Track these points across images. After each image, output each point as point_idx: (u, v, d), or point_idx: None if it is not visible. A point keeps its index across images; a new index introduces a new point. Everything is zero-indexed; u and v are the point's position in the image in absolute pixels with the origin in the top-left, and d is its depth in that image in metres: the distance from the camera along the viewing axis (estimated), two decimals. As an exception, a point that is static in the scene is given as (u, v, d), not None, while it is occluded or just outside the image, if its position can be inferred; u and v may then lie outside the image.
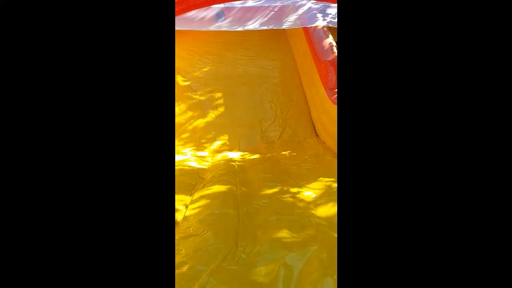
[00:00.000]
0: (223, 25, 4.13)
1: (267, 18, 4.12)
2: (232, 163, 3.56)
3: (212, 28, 4.08)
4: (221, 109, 4.62)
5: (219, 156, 3.91)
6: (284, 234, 1.91)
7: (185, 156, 3.95)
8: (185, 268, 1.65)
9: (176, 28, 4.06)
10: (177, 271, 1.62)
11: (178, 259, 1.74)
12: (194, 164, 3.66)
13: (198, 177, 3.22)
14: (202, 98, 4.69)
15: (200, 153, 4.06)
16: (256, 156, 3.83)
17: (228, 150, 4.09)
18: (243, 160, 3.71)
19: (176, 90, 4.75)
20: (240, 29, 4.18)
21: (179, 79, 4.92)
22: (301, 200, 2.52)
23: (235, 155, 3.96)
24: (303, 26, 4.29)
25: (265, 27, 4.15)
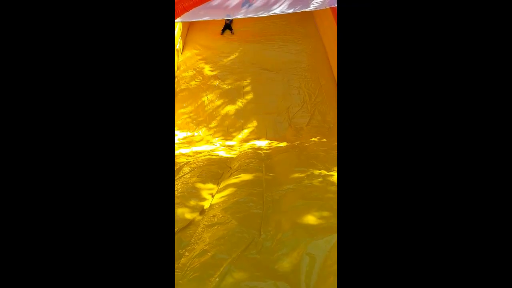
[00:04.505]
0: (249, 11, 4.06)
1: (293, 0, 3.97)
2: (259, 152, 3.53)
3: (238, 16, 4.02)
4: (249, 97, 4.58)
5: (247, 145, 3.90)
6: (309, 220, 1.84)
7: (214, 146, 3.99)
8: (207, 256, 1.66)
9: (201, 18, 4.07)
10: (199, 259, 1.64)
11: (201, 247, 1.76)
12: (223, 153, 3.68)
13: (225, 166, 3.23)
14: (229, 86, 4.68)
15: (228, 143, 4.08)
16: (284, 144, 3.76)
17: (255, 139, 4.06)
18: (270, 148, 3.67)
19: (203, 80, 4.79)
20: (266, 14, 4.08)
21: (206, 69, 4.95)
22: (332, 184, 2.40)
23: (263, 143, 3.93)
24: (331, 6, 4.08)
25: (291, 10, 4.00)
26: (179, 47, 5.16)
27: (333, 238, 1.59)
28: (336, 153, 3.26)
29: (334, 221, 1.76)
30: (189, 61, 5.13)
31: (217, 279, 1.44)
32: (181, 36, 5.19)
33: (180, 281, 1.50)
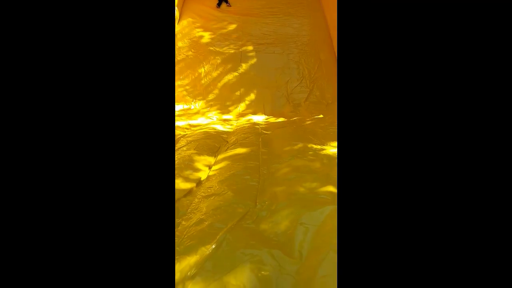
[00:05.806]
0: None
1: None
2: (256, 127, 3.52)
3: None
4: (246, 70, 4.51)
5: (243, 120, 3.88)
6: (304, 192, 1.87)
7: (211, 120, 3.97)
8: (204, 225, 1.69)
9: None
10: (196, 228, 1.67)
11: (198, 216, 1.79)
12: (219, 127, 3.67)
13: (222, 140, 3.23)
14: (227, 59, 4.59)
15: (225, 116, 4.06)
16: (281, 119, 3.75)
17: (252, 114, 4.04)
18: (267, 123, 3.66)
19: (200, 51, 4.69)
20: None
21: (203, 39, 4.83)
22: (328, 158, 2.42)
23: (260, 118, 3.91)
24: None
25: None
26: (176, 15, 5.00)
27: (327, 209, 1.62)
28: (334, 130, 3.26)
29: (328, 194, 1.79)
30: (185, 30, 5.00)
31: (213, 247, 1.48)
32: (177, 5, 5.02)
33: (178, 248, 1.54)
